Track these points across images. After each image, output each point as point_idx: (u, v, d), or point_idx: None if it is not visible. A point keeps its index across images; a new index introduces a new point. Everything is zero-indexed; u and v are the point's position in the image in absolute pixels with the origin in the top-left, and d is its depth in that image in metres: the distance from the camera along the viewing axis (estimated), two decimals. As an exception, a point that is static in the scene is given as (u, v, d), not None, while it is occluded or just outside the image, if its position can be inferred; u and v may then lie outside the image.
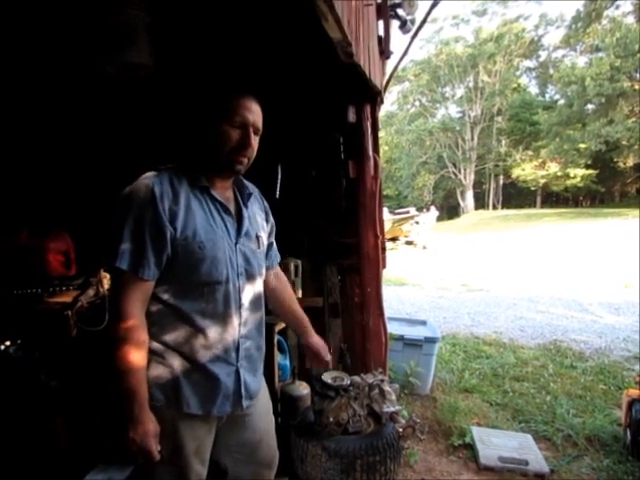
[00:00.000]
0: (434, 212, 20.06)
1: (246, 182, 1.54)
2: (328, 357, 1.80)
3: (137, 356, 1.25)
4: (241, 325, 1.43)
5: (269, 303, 1.73)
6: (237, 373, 1.43)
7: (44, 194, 3.06)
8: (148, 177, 1.31)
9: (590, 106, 29.24)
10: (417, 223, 16.97)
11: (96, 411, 2.44)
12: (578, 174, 30.87)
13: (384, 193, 2.96)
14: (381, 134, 3.00)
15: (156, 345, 1.34)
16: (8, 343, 2.61)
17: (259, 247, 1.51)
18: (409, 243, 16.43)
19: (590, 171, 30.92)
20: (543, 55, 37.48)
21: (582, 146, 28.49)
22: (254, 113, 1.37)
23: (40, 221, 2.77)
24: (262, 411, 1.62)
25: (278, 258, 1.78)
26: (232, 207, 1.45)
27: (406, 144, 37.21)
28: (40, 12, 2.07)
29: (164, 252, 1.28)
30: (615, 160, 30.25)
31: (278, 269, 1.79)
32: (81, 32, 2.15)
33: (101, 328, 2.40)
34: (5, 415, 2.54)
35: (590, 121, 27.97)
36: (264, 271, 1.58)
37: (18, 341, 2.63)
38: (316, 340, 1.79)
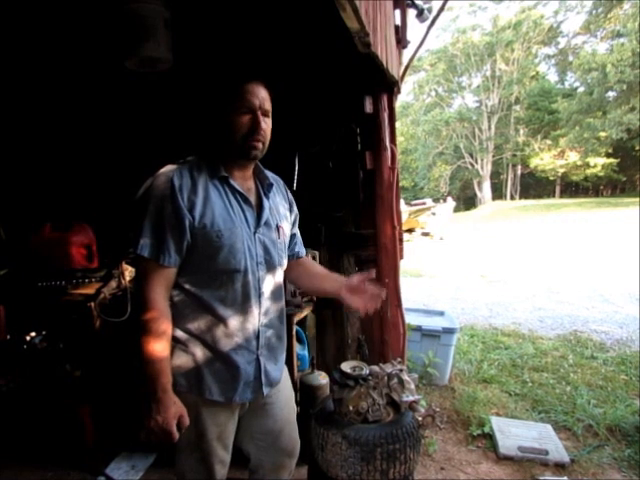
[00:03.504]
0: (451, 203, 19.87)
1: (268, 173, 1.55)
2: (378, 292, 1.58)
3: (159, 346, 1.28)
4: (261, 314, 1.45)
5: (300, 286, 1.82)
6: (257, 361, 1.46)
7: (66, 189, 3.11)
8: (169, 169, 1.35)
9: (611, 93, 28.60)
10: (434, 214, 16.83)
11: (119, 400, 2.49)
12: (598, 163, 30.31)
13: (400, 184, 2.94)
14: (397, 125, 2.99)
15: (180, 333, 1.37)
16: (33, 334, 2.68)
17: (280, 237, 1.52)
18: (426, 234, 16.30)
19: (611, 160, 30.35)
20: (562, 42, 36.62)
21: (602, 134, 27.90)
22: (259, 97, 1.37)
23: (63, 215, 2.83)
24: (284, 401, 1.64)
25: (302, 251, 1.78)
26: (253, 197, 1.46)
27: (422, 135, 36.82)
28: (61, 8, 2.10)
29: (184, 239, 1.30)
30: (637, 148, 29.55)
31: (305, 258, 1.80)
32: (101, 28, 2.18)
33: (123, 319, 2.45)
34: (32, 404, 2.62)
35: (611, 109, 27.36)
36: (285, 262, 1.59)
37: (43, 332, 2.69)
38: (358, 277, 1.61)
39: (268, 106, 1.40)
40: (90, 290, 2.58)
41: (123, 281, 2.63)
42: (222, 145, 1.41)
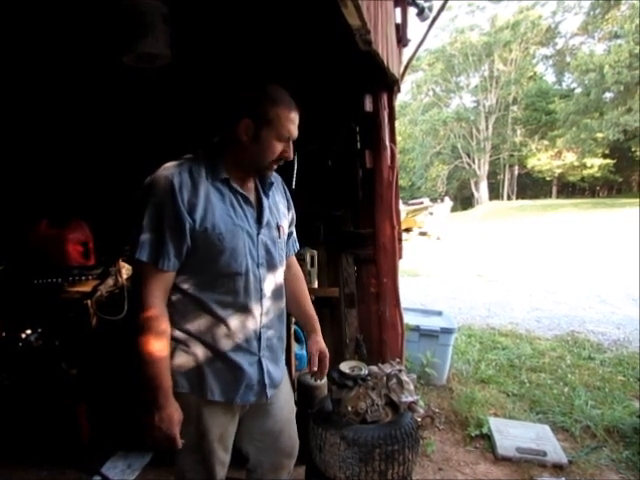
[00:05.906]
0: (448, 203, 19.90)
1: None
2: (315, 367, 1.63)
3: (158, 345, 1.27)
4: (262, 315, 1.44)
5: None
6: (260, 363, 1.44)
7: (63, 185, 3.09)
8: (168, 168, 1.31)
9: (608, 94, 28.63)
10: (431, 214, 16.84)
11: (116, 398, 2.48)
12: (595, 164, 30.38)
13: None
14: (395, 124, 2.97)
15: (179, 333, 1.35)
16: (29, 332, 2.65)
17: (280, 236, 1.51)
18: (423, 234, 16.29)
19: (607, 161, 30.42)
20: (560, 43, 36.57)
21: (599, 135, 27.95)
22: (296, 125, 1.38)
23: (59, 212, 2.80)
24: (283, 401, 1.63)
25: (296, 248, 1.76)
26: (252, 197, 1.45)
27: (420, 134, 36.71)
28: (58, 3, 2.08)
29: (184, 243, 1.28)
30: (633, 149, 29.63)
31: (293, 260, 1.75)
32: (99, 23, 2.16)
33: (120, 317, 2.43)
34: (27, 402, 2.59)
35: (608, 110, 27.40)
36: (285, 260, 1.58)
37: (39, 330, 2.67)
38: (319, 344, 1.67)
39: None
40: (87, 288, 2.56)
41: (120, 279, 2.61)
42: (247, 160, 1.38)
